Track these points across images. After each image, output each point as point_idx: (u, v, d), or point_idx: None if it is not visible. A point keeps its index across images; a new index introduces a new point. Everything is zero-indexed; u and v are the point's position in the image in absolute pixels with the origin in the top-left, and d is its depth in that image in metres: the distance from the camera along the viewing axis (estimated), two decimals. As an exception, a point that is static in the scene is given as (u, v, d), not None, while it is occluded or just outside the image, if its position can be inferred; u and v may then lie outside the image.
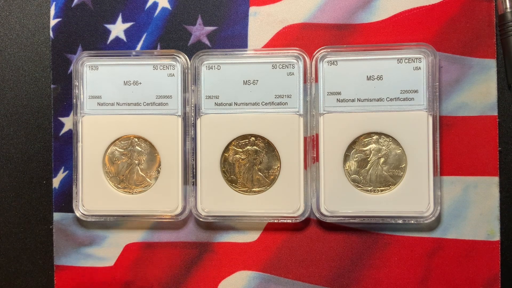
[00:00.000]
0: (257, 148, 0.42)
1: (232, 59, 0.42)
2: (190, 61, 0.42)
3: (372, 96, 0.41)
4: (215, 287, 0.43)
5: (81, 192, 0.42)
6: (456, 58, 0.41)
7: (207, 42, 0.43)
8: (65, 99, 0.44)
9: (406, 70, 0.40)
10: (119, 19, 0.43)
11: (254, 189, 0.42)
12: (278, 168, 0.41)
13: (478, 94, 0.41)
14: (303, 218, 0.41)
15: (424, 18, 0.41)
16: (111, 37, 0.43)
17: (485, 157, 0.41)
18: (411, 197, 0.40)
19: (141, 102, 0.42)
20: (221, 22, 0.43)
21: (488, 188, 0.41)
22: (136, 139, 0.43)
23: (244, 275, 0.42)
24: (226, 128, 0.42)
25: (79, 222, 0.43)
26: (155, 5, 0.43)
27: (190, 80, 0.42)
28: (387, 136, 0.41)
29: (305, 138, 0.41)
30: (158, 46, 0.43)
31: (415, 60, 0.40)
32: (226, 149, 0.42)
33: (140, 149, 0.43)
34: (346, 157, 0.41)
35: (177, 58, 0.42)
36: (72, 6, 0.44)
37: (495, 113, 0.41)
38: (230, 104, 0.42)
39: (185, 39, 0.43)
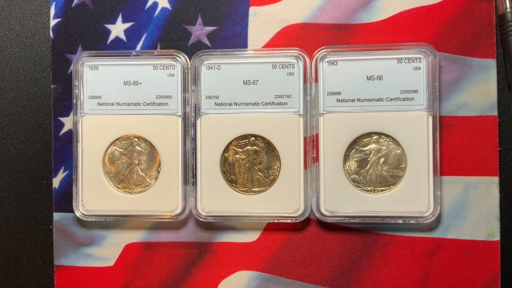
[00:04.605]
0: (257, 148, 0.42)
1: (232, 59, 0.42)
2: (190, 61, 0.42)
3: (372, 96, 0.41)
4: (215, 287, 0.43)
5: (81, 192, 0.42)
6: (456, 58, 0.41)
7: (207, 42, 0.43)
8: (65, 99, 0.44)
9: (406, 70, 0.40)
10: (119, 19, 0.43)
11: (254, 189, 0.42)
12: (278, 168, 0.41)
13: (478, 94, 0.41)
14: (303, 218, 0.41)
15: (424, 18, 0.41)
16: (111, 37, 0.43)
17: (485, 157, 0.41)
18: (411, 197, 0.40)
19: (141, 102, 0.42)
20: (221, 22, 0.43)
21: (488, 188, 0.41)
22: (136, 139, 0.43)
23: (244, 275, 0.42)
24: (226, 128, 0.42)
25: (79, 222, 0.43)
26: (155, 5, 0.43)
27: (190, 80, 0.42)
28: (387, 136, 0.41)
29: (305, 138, 0.41)
30: (158, 46, 0.43)
31: (415, 60, 0.40)
32: (226, 149, 0.42)
33: (140, 149, 0.43)
34: (346, 157, 0.41)
35: (177, 58, 0.42)
36: (72, 6, 0.44)
37: (495, 113, 0.41)
38: (230, 104, 0.42)
39: (185, 39, 0.43)
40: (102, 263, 0.43)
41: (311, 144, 0.41)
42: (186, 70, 0.42)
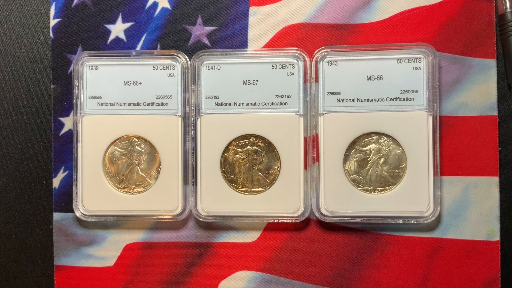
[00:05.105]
0: (257, 148, 0.42)
1: (232, 59, 0.42)
2: (190, 61, 0.42)
3: (372, 96, 0.41)
4: (215, 287, 0.43)
5: (81, 192, 0.42)
6: (456, 58, 0.41)
7: (207, 42, 0.43)
8: (65, 99, 0.44)
9: (406, 70, 0.40)
10: (119, 19, 0.43)
11: (254, 189, 0.42)
12: (278, 168, 0.41)
13: (478, 94, 0.41)
14: (303, 218, 0.41)
15: (424, 18, 0.41)
16: (111, 37, 0.43)
17: (485, 157, 0.41)
18: (411, 197, 0.40)
19: (141, 102, 0.42)
20: (221, 22, 0.43)
21: (488, 188, 0.41)
22: (136, 139, 0.43)
23: (244, 275, 0.42)
24: (226, 128, 0.42)
25: (79, 222, 0.43)
26: (155, 5, 0.43)
27: (190, 80, 0.42)
28: (387, 136, 0.41)
29: (305, 138, 0.41)
30: (158, 46, 0.43)
31: (415, 60, 0.40)
32: (226, 149, 0.42)
33: (140, 149, 0.43)
34: (346, 157, 0.41)
35: (177, 58, 0.42)
36: (72, 6, 0.44)
37: (495, 113, 0.41)
38: (230, 104, 0.42)
39: (185, 39, 0.43)
40: (102, 263, 0.43)
41: (311, 144, 0.41)
42: (186, 70, 0.42)
